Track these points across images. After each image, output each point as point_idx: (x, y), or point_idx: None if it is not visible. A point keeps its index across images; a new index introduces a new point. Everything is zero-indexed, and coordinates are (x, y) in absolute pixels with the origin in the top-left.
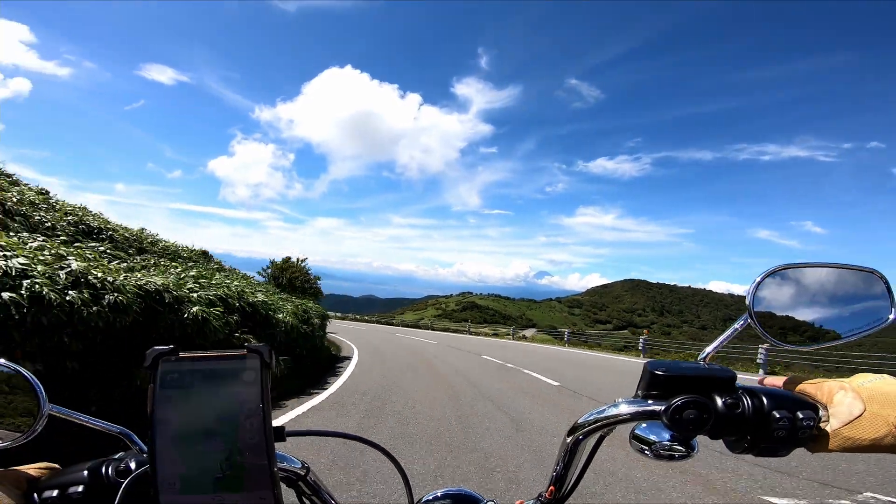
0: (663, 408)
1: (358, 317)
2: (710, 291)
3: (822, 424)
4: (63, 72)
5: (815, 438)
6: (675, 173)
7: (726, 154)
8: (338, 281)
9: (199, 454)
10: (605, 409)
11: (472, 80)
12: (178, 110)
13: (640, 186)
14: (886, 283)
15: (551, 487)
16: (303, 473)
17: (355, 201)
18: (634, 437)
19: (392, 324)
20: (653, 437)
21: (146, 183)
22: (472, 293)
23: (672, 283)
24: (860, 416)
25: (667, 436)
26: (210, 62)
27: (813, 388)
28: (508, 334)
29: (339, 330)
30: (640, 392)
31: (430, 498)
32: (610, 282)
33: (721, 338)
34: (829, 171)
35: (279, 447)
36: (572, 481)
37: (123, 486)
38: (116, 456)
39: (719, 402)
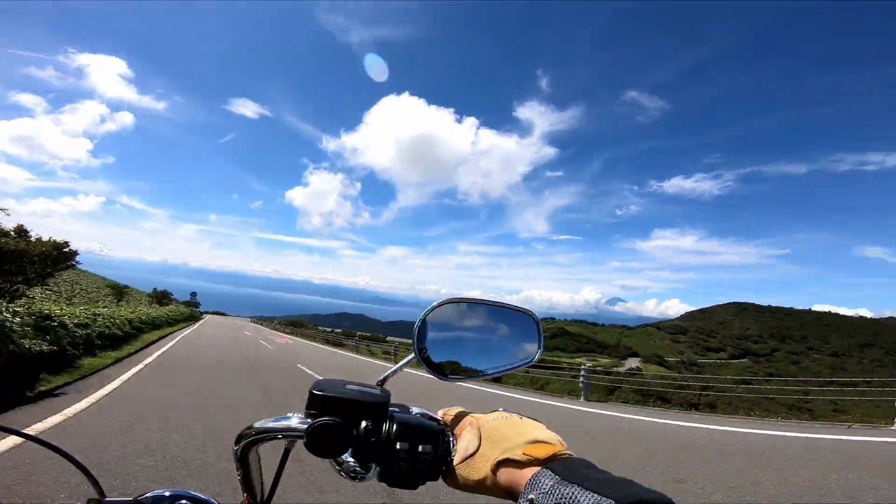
0: (305, 427)
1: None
2: (839, 314)
3: (452, 459)
4: (159, 105)
5: (445, 473)
6: (765, 189)
7: (823, 166)
8: (408, 308)
9: None
10: (268, 421)
11: (532, 103)
12: (259, 142)
13: (724, 205)
14: (538, 324)
15: (245, 495)
16: None
17: (421, 229)
18: None
19: None
20: (343, 456)
21: (233, 213)
22: (555, 319)
23: (788, 307)
24: (474, 454)
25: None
26: (285, 95)
27: (459, 420)
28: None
29: None
30: (305, 410)
31: (151, 496)
32: (709, 305)
33: (398, 365)
34: None
35: None
36: (268, 488)
37: None
38: None
39: (363, 426)
